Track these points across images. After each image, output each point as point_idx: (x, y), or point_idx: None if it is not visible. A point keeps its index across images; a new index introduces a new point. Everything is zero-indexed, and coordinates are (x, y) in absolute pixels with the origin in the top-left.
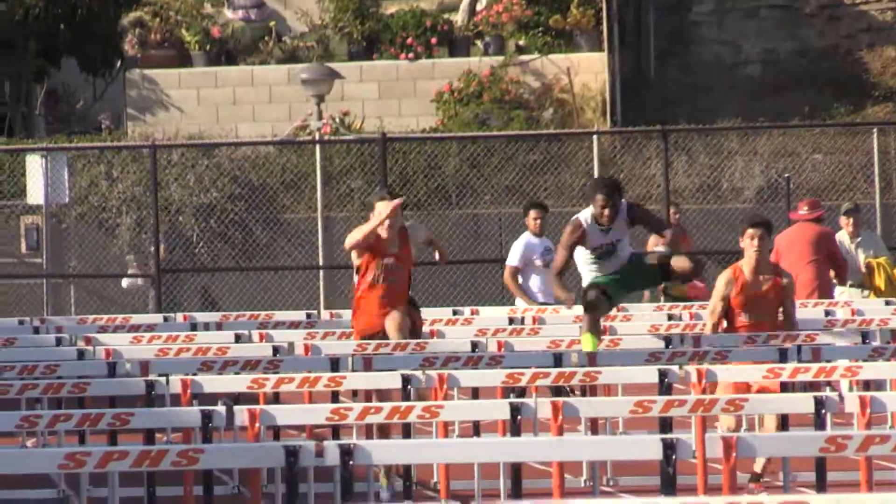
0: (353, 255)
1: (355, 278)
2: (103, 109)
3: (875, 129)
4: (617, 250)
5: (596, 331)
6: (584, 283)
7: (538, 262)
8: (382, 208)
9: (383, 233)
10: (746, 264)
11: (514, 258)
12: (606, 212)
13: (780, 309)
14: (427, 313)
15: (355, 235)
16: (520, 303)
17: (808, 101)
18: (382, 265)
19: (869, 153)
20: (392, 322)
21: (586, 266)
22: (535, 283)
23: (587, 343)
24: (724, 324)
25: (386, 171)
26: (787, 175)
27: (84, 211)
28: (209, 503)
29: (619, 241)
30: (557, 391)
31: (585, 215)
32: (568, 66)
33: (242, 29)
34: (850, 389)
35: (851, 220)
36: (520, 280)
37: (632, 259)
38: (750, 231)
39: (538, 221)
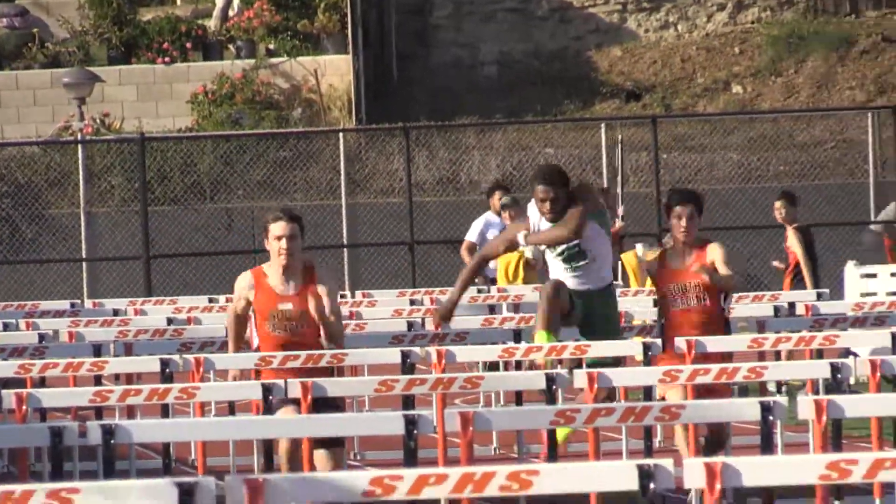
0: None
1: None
2: None
3: (603, 124)
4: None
5: (553, 328)
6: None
7: None
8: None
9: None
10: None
11: (472, 234)
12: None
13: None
14: (184, 301)
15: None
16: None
17: (541, 99)
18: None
19: (597, 147)
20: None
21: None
22: (491, 262)
23: (542, 339)
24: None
25: (145, 168)
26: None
27: None
28: None
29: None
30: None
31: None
32: (315, 67)
33: (7, 36)
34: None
35: None
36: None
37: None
38: (678, 209)
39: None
